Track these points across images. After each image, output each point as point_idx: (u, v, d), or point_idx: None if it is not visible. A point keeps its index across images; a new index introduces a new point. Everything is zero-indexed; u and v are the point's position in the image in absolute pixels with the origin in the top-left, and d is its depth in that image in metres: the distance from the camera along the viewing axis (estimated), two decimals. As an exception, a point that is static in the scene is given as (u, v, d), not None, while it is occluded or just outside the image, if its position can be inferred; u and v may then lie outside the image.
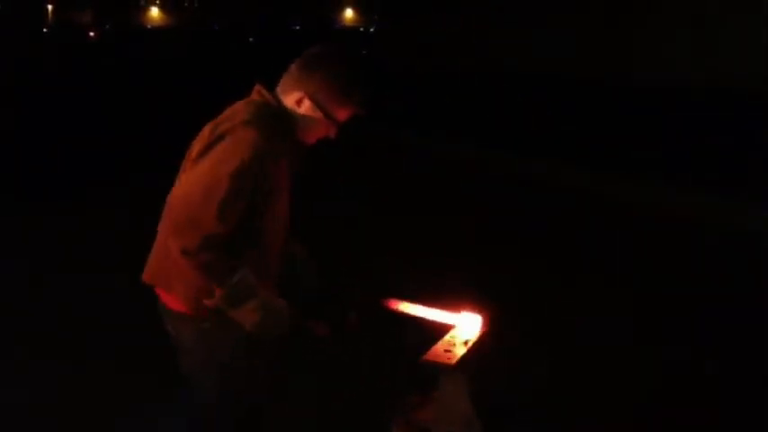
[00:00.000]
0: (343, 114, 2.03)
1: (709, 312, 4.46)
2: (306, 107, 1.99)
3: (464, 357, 2.01)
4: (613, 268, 5.26)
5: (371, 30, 32.20)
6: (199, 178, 1.80)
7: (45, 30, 38.90)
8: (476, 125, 10.34)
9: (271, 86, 2.05)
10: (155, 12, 55.77)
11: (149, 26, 50.86)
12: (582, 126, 9.12)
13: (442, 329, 2.12)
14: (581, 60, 10.29)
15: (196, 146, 1.90)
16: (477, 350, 2.06)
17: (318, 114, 1.99)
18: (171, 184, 1.92)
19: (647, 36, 9.47)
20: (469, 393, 2.02)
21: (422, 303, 2.10)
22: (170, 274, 1.95)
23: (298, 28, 39.10)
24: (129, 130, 10.76)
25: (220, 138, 1.83)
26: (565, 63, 10.44)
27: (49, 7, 44.46)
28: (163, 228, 1.90)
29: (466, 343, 2.06)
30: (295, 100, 1.99)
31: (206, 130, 1.91)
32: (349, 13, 49.54)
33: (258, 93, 2.01)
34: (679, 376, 3.67)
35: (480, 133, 9.92)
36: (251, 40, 33.53)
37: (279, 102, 2.00)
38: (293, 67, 2.02)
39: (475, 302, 2.14)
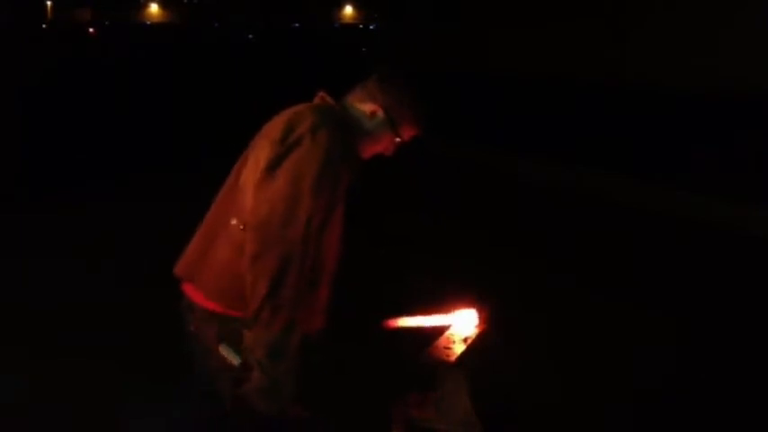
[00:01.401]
0: (408, 133, 2.07)
1: (710, 312, 4.46)
2: (378, 120, 2.02)
3: (464, 355, 2.01)
4: (614, 269, 5.26)
5: (371, 27, 32.20)
6: (281, 192, 1.76)
7: (44, 26, 38.86)
8: (475, 125, 10.33)
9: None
10: (154, 8, 55.66)
11: (149, 22, 50.78)
12: (581, 126, 9.11)
13: (442, 328, 2.12)
14: (582, 62, 10.27)
15: (262, 152, 1.84)
16: (477, 348, 2.06)
17: (387, 129, 2.03)
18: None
19: (654, 36, 9.45)
20: (469, 391, 2.02)
21: (419, 311, 2.11)
22: (210, 272, 1.93)
23: (297, 25, 39.07)
24: (128, 129, 10.75)
25: (293, 146, 1.80)
26: (565, 64, 10.43)
27: (49, 4, 44.44)
28: (212, 232, 1.92)
29: (466, 340, 2.06)
30: (369, 110, 2.02)
31: (274, 135, 1.84)
32: (348, 11, 49.49)
33: (322, 99, 2.02)
34: (679, 377, 3.67)
35: (480, 134, 9.91)
36: (250, 37, 33.51)
37: (345, 110, 2.02)
38: (371, 80, 2.05)
39: (475, 303, 2.14)
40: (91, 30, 39.53)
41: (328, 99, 2.02)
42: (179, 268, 2.04)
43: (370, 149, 2.07)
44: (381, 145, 2.06)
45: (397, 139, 2.06)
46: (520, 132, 9.48)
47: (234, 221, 1.89)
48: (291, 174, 1.77)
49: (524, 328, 3.80)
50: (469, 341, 2.06)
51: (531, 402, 3.04)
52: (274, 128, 1.89)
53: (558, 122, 9.53)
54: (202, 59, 22.09)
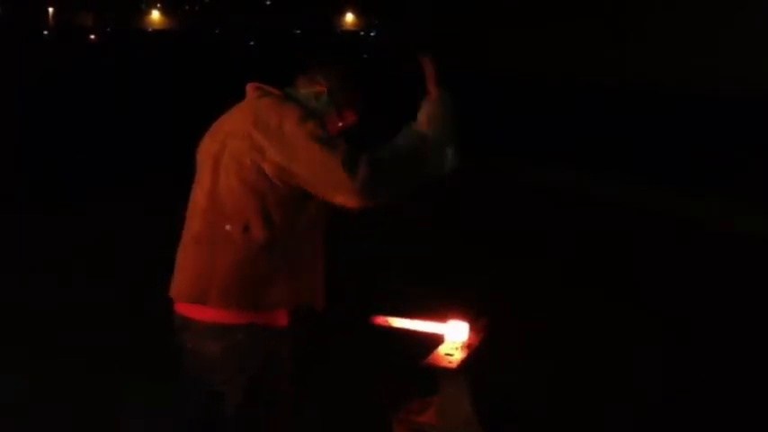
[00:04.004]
0: (350, 117, 2.10)
1: (710, 312, 4.46)
2: (322, 101, 2.05)
3: (465, 361, 2.01)
4: (614, 269, 5.26)
5: (372, 33, 32.22)
6: (309, 157, 1.82)
7: (46, 32, 38.83)
8: (475, 125, 10.33)
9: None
10: (156, 15, 55.63)
11: (150, 29, 50.69)
12: (581, 126, 9.11)
13: (434, 335, 2.12)
14: (582, 62, 10.27)
15: (241, 155, 1.88)
16: (478, 354, 2.06)
17: (331, 109, 2.05)
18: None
19: (654, 36, 9.44)
20: (471, 398, 2.02)
21: (412, 316, 2.10)
22: (219, 283, 1.92)
23: (299, 32, 39.01)
24: (129, 129, 10.75)
25: (280, 129, 1.85)
26: (565, 64, 10.43)
27: (50, 10, 44.42)
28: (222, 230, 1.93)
29: (467, 347, 2.06)
30: (313, 94, 2.05)
31: (248, 133, 1.87)
32: (349, 17, 49.45)
33: (261, 90, 2.02)
34: (679, 377, 3.67)
35: (479, 134, 9.91)
36: (252, 43, 33.45)
37: (290, 94, 2.03)
38: (314, 65, 2.09)
39: (471, 312, 2.14)
40: (92, 36, 39.46)
41: (266, 87, 2.03)
42: (178, 291, 2.02)
43: None
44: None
45: (340, 124, 2.09)
46: (520, 132, 9.48)
47: (228, 227, 1.90)
48: (301, 141, 1.83)
49: (524, 328, 3.80)
50: (472, 348, 2.06)
51: (531, 402, 3.04)
52: (238, 127, 1.91)
53: (557, 122, 9.53)
54: (202, 63, 22.11)
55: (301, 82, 2.08)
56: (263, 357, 1.98)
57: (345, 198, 1.83)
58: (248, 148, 1.86)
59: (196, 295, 1.97)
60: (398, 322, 2.11)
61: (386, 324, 2.12)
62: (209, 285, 1.93)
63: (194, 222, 2.00)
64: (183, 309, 2.02)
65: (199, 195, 1.99)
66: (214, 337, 1.96)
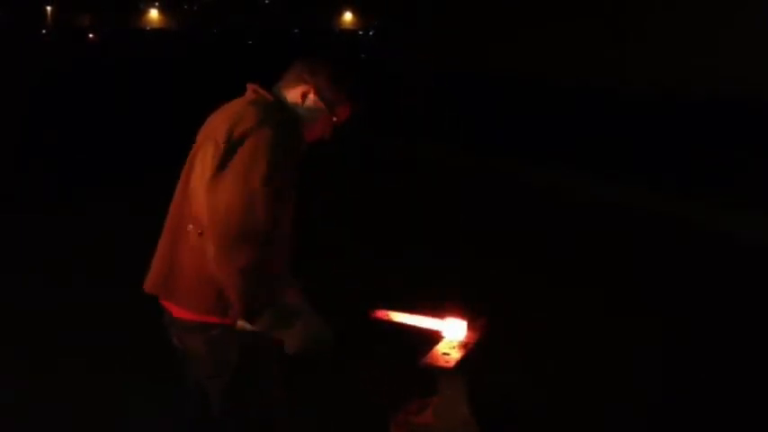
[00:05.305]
0: (343, 112, 2.07)
1: (710, 313, 4.46)
2: (310, 101, 2.02)
3: (462, 360, 2.01)
4: (614, 269, 5.25)
5: (370, 33, 32.23)
6: (233, 191, 1.78)
7: (44, 32, 38.84)
8: (475, 125, 10.33)
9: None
10: (154, 14, 55.62)
11: (148, 28, 50.64)
12: (581, 127, 9.11)
13: (432, 332, 2.12)
14: (582, 62, 10.27)
15: (207, 155, 1.84)
16: (476, 353, 2.06)
17: (321, 108, 2.03)
18: (175, 181, 1.92)
19: (654, 36, 9.43)
20: (468, 397, 2.03)
21: (411, 312, 2.11)
22: (179, 282, 1.93)
23: (297, 31, 39.03)
24: (128, 129, 10.75)
25: (238, 143, 1.81)
26: (565, 64, 10.42)
27: (48, 9, 44.42)
28: (174, 238, 1.93)
29: (464, 346, 2.06)
30: (300, 93, 2.02)
31: (216, 136, 1.85)
32: (348, 17, 49.44)
33: (255, 92, 2.01)
34: (680, 377, 3.67)
35: (479, 134, 9.91)
36: (249, 42, 33.42)
37: (279, 97, 2.02)
38: (299, 64, 2.06)
39: (469, 310, 2.14)
40: (90, 35, 39.42)
41: (262, 91, 2.01)
42: (148, 285, 2.03)
43: (309, 134, 2.06)
44: (319, 127, 2.06)
45: (334, 119, 2.06)
46: (520, 132, 9.47)
47: (190, 227, 1.90)
48: (241, 172, 1.79)
49: (524, 329, 3.80)
50: (468, 347, 2.06)
51: (531, 402, 3.04)
52: (216, 129, 1.89)
53: (558, 122, 9.53)
54: (201, 62, 22.12)
55: (287, 82, 2.05)
56: (240, 353, 1.96)
57: (212, 244, 1.79)
58: (215, 151, 1.83)
59: (155, 286, 1.99)
60: (399, 317, 2.11)
61: (386, 318, 2.12)
62: (173, 283, 1.95)
63: (169, 214, 2.02)
64: (166, 305, 2.03)
65: (178, 188, 2.00)
66: (193, 332, 1.97)
